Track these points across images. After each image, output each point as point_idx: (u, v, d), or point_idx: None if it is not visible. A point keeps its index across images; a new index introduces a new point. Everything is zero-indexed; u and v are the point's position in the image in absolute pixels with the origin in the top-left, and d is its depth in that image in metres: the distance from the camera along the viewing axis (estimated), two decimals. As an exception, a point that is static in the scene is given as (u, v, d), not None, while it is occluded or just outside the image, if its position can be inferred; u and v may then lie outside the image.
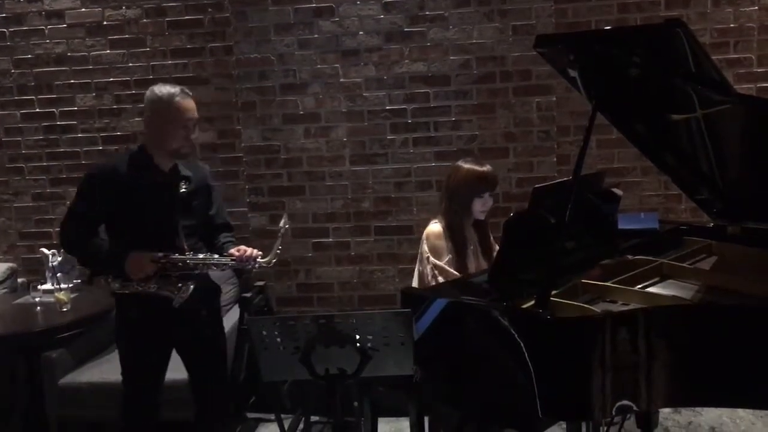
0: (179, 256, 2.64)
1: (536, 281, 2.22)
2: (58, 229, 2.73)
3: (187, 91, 2.68)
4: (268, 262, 2.72)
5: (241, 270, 2.80)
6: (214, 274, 2.90)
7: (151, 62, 4.15)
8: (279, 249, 2.71)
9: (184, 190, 2.72)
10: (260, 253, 2.72)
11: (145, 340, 2.74)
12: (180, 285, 2.62)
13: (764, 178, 2.53)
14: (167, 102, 2.61)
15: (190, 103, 2.65)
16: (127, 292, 2.65)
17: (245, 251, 2.69)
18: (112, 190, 2.63)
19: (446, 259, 2.82)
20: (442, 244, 2.84)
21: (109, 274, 2.70)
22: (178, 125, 2.61)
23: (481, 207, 2.87)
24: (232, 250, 2.71)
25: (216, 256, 2.71)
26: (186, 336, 2.81)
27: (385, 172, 4.10)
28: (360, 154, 4.10)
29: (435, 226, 2.88)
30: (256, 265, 2.71)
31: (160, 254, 2.61)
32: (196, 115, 2.68)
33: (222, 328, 2.98)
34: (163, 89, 2.64)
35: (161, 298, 2.61)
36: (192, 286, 2.63)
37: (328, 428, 3.74)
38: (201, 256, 2.69)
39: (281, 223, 2.72)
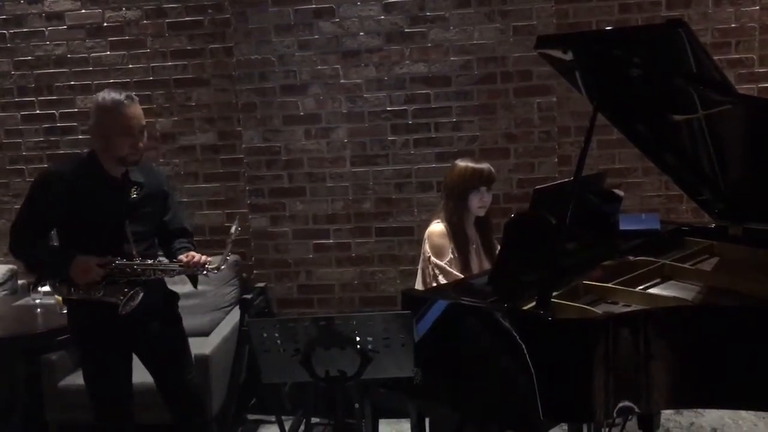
0: (126, 262, 2.61)
1: (537, 282, 2.21)
2: (9, 232, 2.69)
3: (134, 97, 2.63)
4: (217, 269, 2.69)
5: (194, 276, 2.76)
6: (214, 276, 2.87)
7: (151, 63, 4.15)
8: (229, 256, 2.70)
9: (135, 196, 2.69)
10: (209, 259, 2.71)
11: (101, 346, 2.71)
12: (127, 291, 2.57)
13: (766, 179, 2.52)
14: (113, 109, 2.57)
15: (136, 110, 2.60)
16: (74, 297, 2.62)
17: (193, 257, 2.66)
18: (61, 196, 2.60)
19: (448, 258, 2.82)
20: (444, 243, 2.84)
21: (55, 279, 2.67)
22: (124, 133, 2.57)
23: (477, 203, 2.87)
24: (181, 256, 2.69)
25: (165, 261, 2.70)
26: (142, 343, 2.79)
27: (386, 173, 4.10)
28: (361, 156, 4.10)
29: (437, 226, 2.88)
30: (204, 272, 2.68)
31: (107, 259, 2.58)
32: (143, 122, 2.63)
33: (182, 333, 2.93)
34: (108, 96, 2.59)
35: (109, 305, 2.57)
36: (141, 294, 2.59)
37: (329, 430, 3.73)
38: (149, 261, 2.66)
39: (232, 230, 2.70)
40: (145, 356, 2.86)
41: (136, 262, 2.63)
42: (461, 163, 2.90)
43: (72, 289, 2.62)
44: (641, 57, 2.20)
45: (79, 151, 4.23)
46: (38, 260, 2.70)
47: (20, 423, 3.59)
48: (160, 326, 2.81)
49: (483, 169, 2.86)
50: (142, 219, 2.73)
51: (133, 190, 2.70)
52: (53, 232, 2.73)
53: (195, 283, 2.82)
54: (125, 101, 2.58)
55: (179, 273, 2.70)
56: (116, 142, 2.59)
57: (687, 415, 3.61)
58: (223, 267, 2.70)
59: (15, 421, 3.60)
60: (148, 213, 2.76)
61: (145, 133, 2.68)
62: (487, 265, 2.89)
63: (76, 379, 3.46)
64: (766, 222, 2.75)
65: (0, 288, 4.05)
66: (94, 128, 2.64)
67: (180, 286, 2.94)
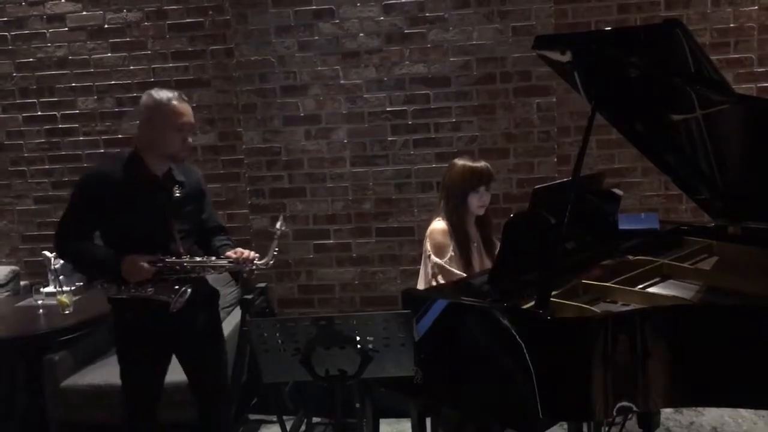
0: (176, 260, 2.63)
1: (536, 282, 2.22)
2: (54, 234, 2.72)
3: (184, 96, 2.67)
4: (266, 264, 2.71)
5: (238, 272, 2.77)
6: (213, 276, 2.89)
7: (152, 65, 4.16)
8: (276, 250, 2.71)
9: (178, 194, 2.71)
10: (257, 255, 2.72)
11: (144, 344, 2.72)
12: (177, 288, 2.60)
13: (764, 178, 2.53)
14: (165, 106, 2.60)
15: (186, 108, 2.64)
16: (123, 296, 2.63)
17: (242, 253, 2.68)
18: (106, 196, 2.61)
19: (449, 256, 2.83)
20: (445, 241, 2.84)
21: (105, 279, 2.68)
22: (175, 130, 2.60)
23: (477, 202, 2.87)
24: (229, 253, 2.70)
25: (213, 258, 2.70)
26: (184, 340, 2.79)
27: (386, 173, 4.11)
28: (360, 156, 4.11)
29: (438, 224, 2.89)
30: (254, 267, 2.70)
31: (157, 257, 2.60)
32: (192, 120, 2.67)
33: (221, 332, 2.97)
34: (160, 93, 2.62)
35: (157, 302, 2.59)
36: (189, 290, 2.62)
37: (330, 429, 3.74)
38: (198, 259, 2.68)
39: (277, 225, 2.72)
40: (183, 353, 2.85)
41: (185, 259, 2.65)
42: (460, 163, 2.90)
43: (122, 288, 2.62)
44: (639, 57, 2.21)
45: (81, 152, 4.27)
46: (88, 260, 2.69)
47: (22, 423, 3.61)
48: (203, 323, 2.82)
49: (482, 169, 2.86)
50: (185, 217, 2.75)
51: (176, 188, 2.71)
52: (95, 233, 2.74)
53: (238, 280, 2.82)
54: (176, 98, 2.61)
55: (228, 269, 2.72)
56: (167, 139, 2.60)
57: (687, 414, 3.62)
58: (271, 262, 2.72)
59: (16, 421, 3.61)
60: (189, 211, 2.78)
61: (193, 133, 2.71)
62: (488, 264, 2.89)
63: (78, 379, 3.49)
64: (765, 221, 2.75)
65: (2, 289, 4.06)
66: (145, 125, 2.65)
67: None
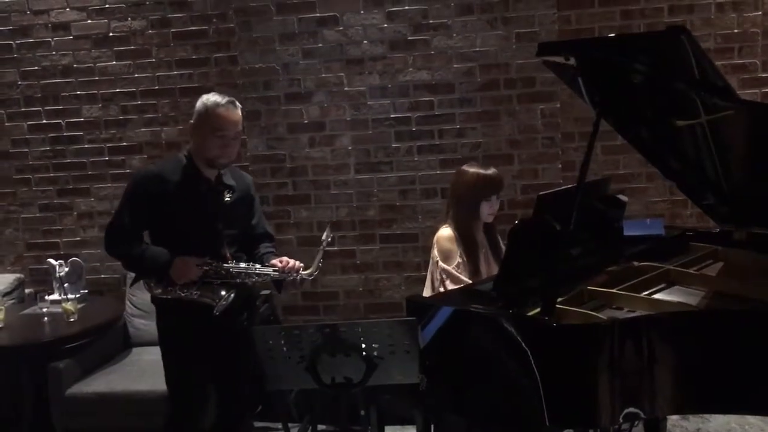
0: (224, 264, 2.66)
1: (542, 288, 2.21)
2: (105, 231, 2.75)
3: (237, 103, 2.68)
4: (310, 275, 2.73)
5: (281, 282, 2.79)
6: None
7: (156, 73, 4.17)
8: (321, 261, 2.73)
9: (228, 199, 2.72)
10: (302, 265, 2.73)
11: (187, 346, 2.73)
12: (222, 293, 2.62)
13: (769, 183, 2.53)
14: (211, 110, 2.62)
15: (230, 115, 2.64)
16: (168, 297, 2.65)
17: (287, 262, 2.70)
18: (158, 196, 2.64)
19: (456, 262, 2.82)
20: (453, 247, 2.84)
21: (152, 278, 2.69)
22: (214, 135, 2.61)
23: (488, 210, 2.87)
24: (275, 261, 2.72)
25: (258, 266, 2.72)
26: (224, 343, 2.79)
27: (390, 180, 4.11)
28: (365, 163, 4.11)
29: (445, 230, 2.88)
30: (298, 277, 2.71)
31: (205, 260, 2.63)
32: (238, 127, 2.68)
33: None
34: (209, 98, 2.65)
35: (201, 305, 2.61)
36: (233, 295, 2.63)
37: (335, 437, 3.73)
38: (243, 265, 2.70)
39: (324, 236, 2.74)
40: (220, 355, 2.83)
41: (232, 264, 2.67)
42: (471, 171, 2.87)
43: (169, 288, 2.64)
44: (643, 64, 2.20)
45: (85, 160, 4.28)
46: (137, 259, 2.69)
47: (28, 430, 3.60)
48: (243, 326, 2.82)
49: (494, 177, 2.85)
50: (233, 222, 2.77)
51: (227, 193, 2.73)
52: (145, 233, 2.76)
53: (280, 289, 2.84)
54: (225, 104, 2.63)
55: (274, 278, 2.73)
56: (208, 143, 2.63)
57: (693, 421, 3.61)
58: (316, 273, 2.74)
59: (23, 428, 3.61)
60: (238, 216, 2.80)
61: (239, 142, 2.72)
62: (496, 270, 2.89)
63: (83, 387, 3.49)
64: (771, 226, 2.75)
65: (7, 297, 4.07)
66: (193, 127, 2.69)
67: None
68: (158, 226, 2.71)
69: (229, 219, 2.75)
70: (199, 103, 2.67)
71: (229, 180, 2.76)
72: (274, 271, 2.69)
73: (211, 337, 2.72)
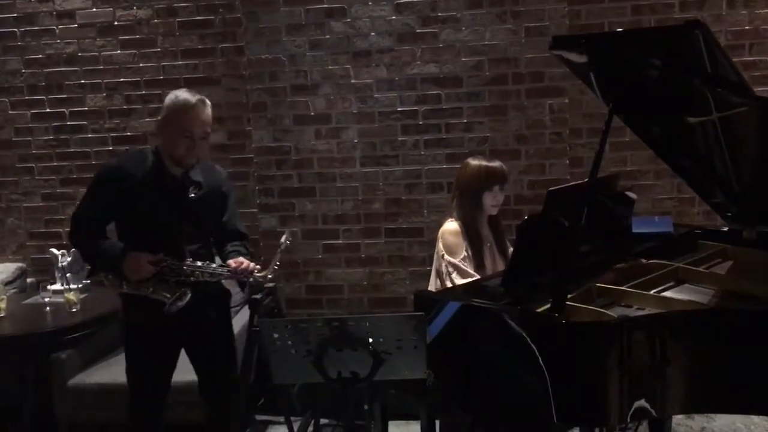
0: (177, 262, 2.61)
1: (551, 285, 2.19)
2: (69, 224, 2.74)
3: (206, 101, 2.62)
4: (264, 277, 2.69)
5: (243, 281, 2.76)
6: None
7: (161, 63, 4.15)
8: (277, 264, 2.69)
9: (192, 195, 2.68)
10: (257, 266, 2.69)
11: (151, 342, 2.72)
12: (175, 290, 2.57)
13: (781, 182, 2.51)
14: (179, 109, 2.58)
15: (201, 115, 2.59)
16: (125, 291, 2.64)
17: (241, 263, 2.65)
18: (122, 190, 2.61)
19: (462, 256, 2.81)
20: (458, 241, 2.83)
21: (108, 272, 2.68)
22: (183, 134, 2.57)
23: (491, 201, 2.87)
24: (230, 261, 2.68)
25: (213, 265, 2.68)
26: (193, 339, 2.79)
27: (396, 173, 4.08)
28: (371, 156, 4.09)
29: (451, 224, 2.88)
30: (251, 279, 2.68)
31: (159, 257, 2.58)
32: (206, 128, 2.62)
33: (231, 332, 2.95)
34: (178, 95, 2.60)
35: (161, 303, 2.57)
36: (189, 294, 2.58)
37: (338, 431, 3.72)
38: (198, 264, 2.65)
39: (282, 239, 2.71)
40: (194, 352, 2.85)
41: (187, 262, 2.63)
42: (474, 162, 2.90)
43: (124, 283, 2.63)
44: (658, 59, 2.18)
45: (89, 150, 4.25)
46: (94, 252, 2.69)
47: (30, 421, 3.59)
48: (211, 323, 2.80)
49: (497, 168, 2.87)
50: (197, 218, 2.73)
51: (192, 189, 2.69)
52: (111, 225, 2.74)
53: (243, 288, 2.82)
54: (195, 103, 2.57)
55: (227, 278, 2.70)
56: (174, 142, 2.59)
57: (698, 420, 3.59)
58: (270, 276, 2.69)
59: (24, 419, 3.60)
60: (204, 213, 2.74)
61: (208, 140, 2.67)
62: (501, 265, 2.88)
63: (85, 377, 3.48)
64: (781, 226, 2.72)
65: (9, 286, 4.05)
66: (160, 124, 2.66)
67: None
68: (121, 220, 2.69)
69: (192, 215, 2.69)
70: (167, 100, 2.61)
71: (197, 176, 2.70)
72: (228, 271, 2.65)
73: (180, 334, 2.71)
